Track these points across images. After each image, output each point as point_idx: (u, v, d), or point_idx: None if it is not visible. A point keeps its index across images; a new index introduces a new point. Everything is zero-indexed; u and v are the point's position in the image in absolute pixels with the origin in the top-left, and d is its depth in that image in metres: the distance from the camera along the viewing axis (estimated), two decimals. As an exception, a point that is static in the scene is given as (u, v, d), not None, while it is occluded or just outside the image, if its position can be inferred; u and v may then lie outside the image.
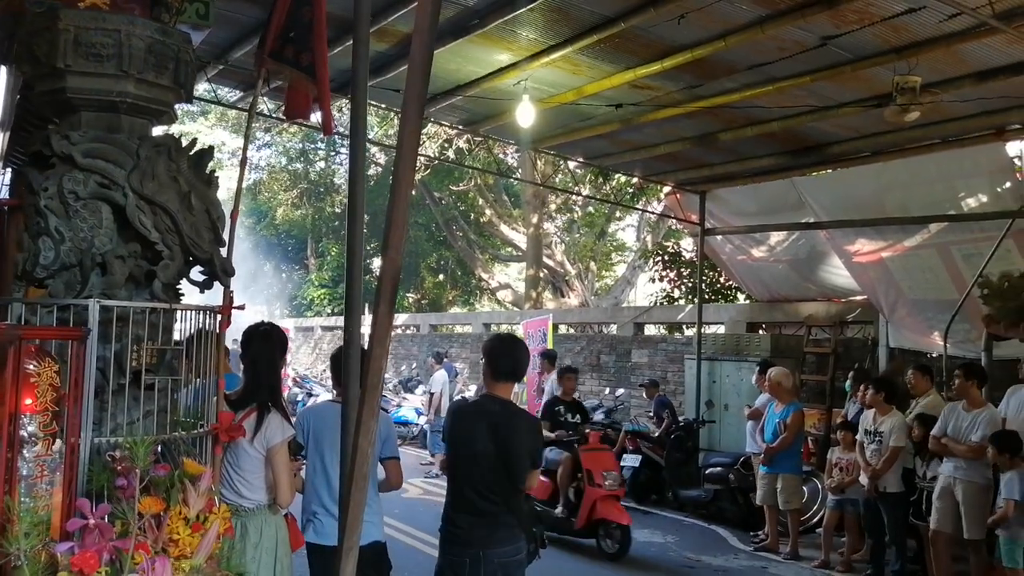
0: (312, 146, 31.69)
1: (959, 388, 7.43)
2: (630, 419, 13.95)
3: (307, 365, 25.45)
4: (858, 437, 8.25)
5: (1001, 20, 6.29)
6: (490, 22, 7.34)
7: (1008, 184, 9.33)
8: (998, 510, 6.67)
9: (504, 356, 4.40)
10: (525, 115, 8.99)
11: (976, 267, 9.16)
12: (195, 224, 3.17)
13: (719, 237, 13.01)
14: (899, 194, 10.07)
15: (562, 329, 18.87)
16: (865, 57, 7.42)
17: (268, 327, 4.37)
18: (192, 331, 3.23)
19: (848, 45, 7.23)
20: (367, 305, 5.23)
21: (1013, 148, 10.24)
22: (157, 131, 3.37)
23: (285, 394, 18.24)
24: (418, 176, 23.54)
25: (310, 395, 18.14)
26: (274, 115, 11.66)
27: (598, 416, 13.81)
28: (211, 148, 3.40)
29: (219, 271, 3.31)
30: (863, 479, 8.06)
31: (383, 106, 10.85)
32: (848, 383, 10.02)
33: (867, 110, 8.46)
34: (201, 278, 3.33)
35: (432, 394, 14.66)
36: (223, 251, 3.38)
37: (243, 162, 4.06)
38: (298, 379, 20.41)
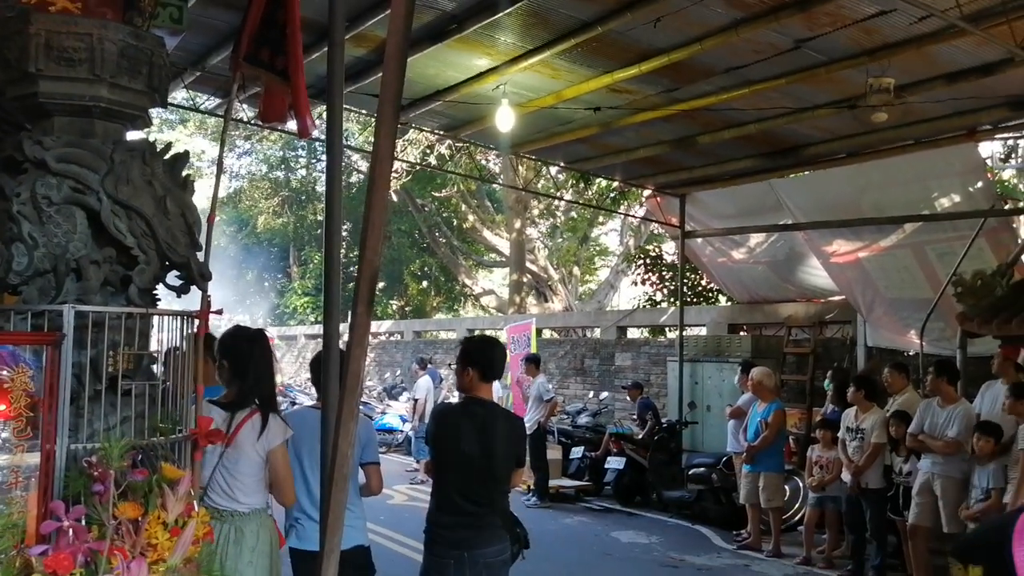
0: (293, 154, 31.65)
1: (931, 385, 7.57)
2: (614, 422, 13.99)
3: (290, 374, 25.35)
4: (840, 435, 8.32)
5: (969, 22, 6.37)
6: (468, 27, 7.36)
7: (980, 184, 9.47)
8: (976, 503, 6.75)
9: (488, 358, 4.43)
10: (504, 120, 9.02)
11: (950, 266, 9.27)
12: (171, 228, 3.17)
13: (699, 240, 13.08)
14: (874, 195, 10.18)
15: (546, 334, 18.89)
16: (838, 59, 7.50)
17: (256, 331, 4.36)
18: (173, 338, 3.22)
19: (821, 48, 7.31)
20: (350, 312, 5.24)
21: (985, 149, 10.37)
22: (132, 136, 3.37)
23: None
24: (400, 182, 23.54)
25: (293, 404, 18.06)
26: (252, 122, 11.63)
27: (583, 419, 13.87)
28: (186, 152, 3.40)
29: (196, 275, 3.30)
30: (845, 476, 8.13)
31: (364, 112, 10.84)
32: (827, 382, 10.10)
33: (842, 112, 8.54)
34: (178, 283, 3.33)
35: (416, 400, 14.65)
36: (200, 255, 3.38)
37: (219, 166, 4.06)
38: (282, 388, 20.33)
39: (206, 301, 3.45)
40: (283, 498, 4.08)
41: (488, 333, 20.12)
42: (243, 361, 4.09)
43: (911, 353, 10.60)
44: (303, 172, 33.06)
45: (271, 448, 3.97)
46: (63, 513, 2.30)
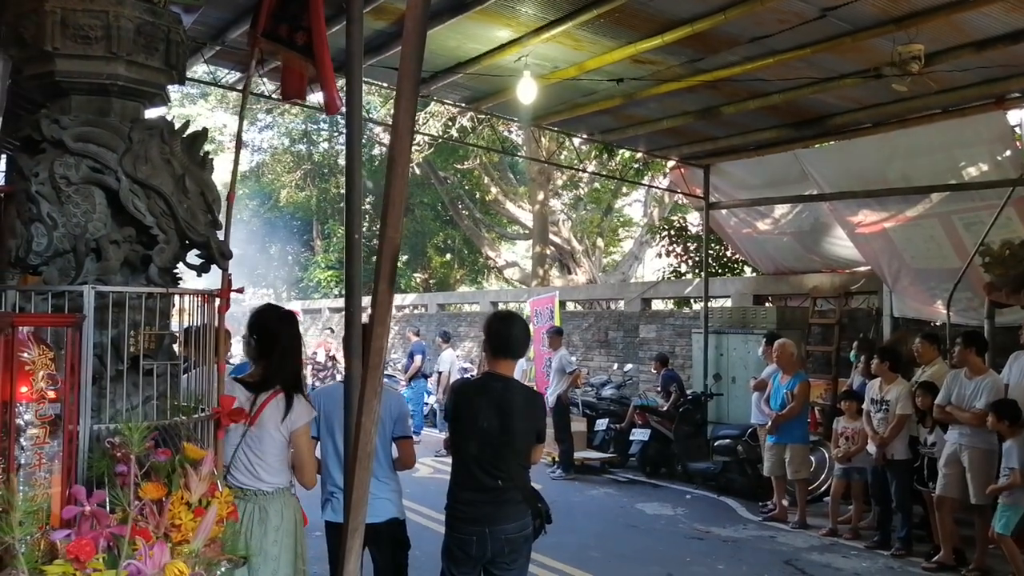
0: (315, 127, 31.57)
1: (959, 356, 7.50)
2: (639, 394, 13.99)
3: (314, 348, 25.48)
4: (864, 406, 8.28)
5: (998, -11, 6.24)
6: (488, -2, 7.29)
7: (1008, 152, 9.29)
8: (1002, 478, 6.70)
9: (502, 334, 4.40)
10: (526, 91, 8.95)
11: (978, 235, 9.15)
12: (190, 207, 3.15)
13: (724, 211, 12.98)
14: (900, 164, 10.04)
15: (570, 306, 18.84)
16: (864, 28, 7.34)
17: (286, 311, 4.36)
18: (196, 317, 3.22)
19: (847, 16, 7.15)
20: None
21: (1013, 117, 10.16)
22: (150, 114, 3.34)
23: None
24: (422, 155, 23.44)
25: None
26: (273, 96, 11.59)
27: (608, 392, 13.88)
28: (205, 130, 3.37)
29: (216, 254, 3.28)
30: (871, 447, 8.10)
31: (385, 85, 10.77)
32: (853, 353, 10.03)
33: (867, 81, 8.39)
34: (198, 261, 3.32)
35: (440, 373, 14.74)
36: (220, 234, 3.36)
37: (238, 143, 4.03)
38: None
39: (226, 279, 3.43)
40: (304, 479, 4.09)
41: (512, 306, 20.10)
42: (270, 340, 4.08)
43: (938, 323, 10.50)
44: (325, 145, 32.99)
45: (295, 429, 3.98)
46: (85, 498, 2.30)
